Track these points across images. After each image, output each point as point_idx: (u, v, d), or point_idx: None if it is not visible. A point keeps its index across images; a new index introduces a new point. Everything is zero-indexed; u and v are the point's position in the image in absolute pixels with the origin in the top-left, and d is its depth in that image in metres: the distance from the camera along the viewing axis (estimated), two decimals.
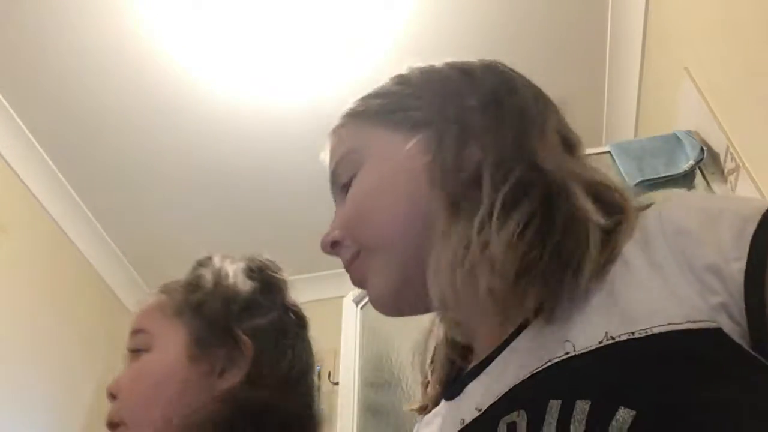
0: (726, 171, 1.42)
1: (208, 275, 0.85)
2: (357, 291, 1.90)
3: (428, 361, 0.62)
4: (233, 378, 0.78)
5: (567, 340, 0.43)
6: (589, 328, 0.42)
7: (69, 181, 2.56)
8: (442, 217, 0.51)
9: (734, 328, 0.39)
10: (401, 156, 0.56)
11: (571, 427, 0.37)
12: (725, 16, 1.39)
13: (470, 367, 0.53)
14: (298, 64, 2.19)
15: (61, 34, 2.09)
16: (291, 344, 0.85)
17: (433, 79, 0.62)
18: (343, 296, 1.93)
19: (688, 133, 1.51)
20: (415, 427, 0.63)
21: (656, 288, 0.42)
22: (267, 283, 0.89)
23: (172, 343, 0.79)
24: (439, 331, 0.62)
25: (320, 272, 2.85)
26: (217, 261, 0.88)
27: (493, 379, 0.48)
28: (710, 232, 0.42)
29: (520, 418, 0.40)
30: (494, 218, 0.47)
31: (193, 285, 0.84)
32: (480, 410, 0.46)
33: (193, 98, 2.28)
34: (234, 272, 0.86)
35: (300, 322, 0.90)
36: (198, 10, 2.03)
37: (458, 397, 0.52)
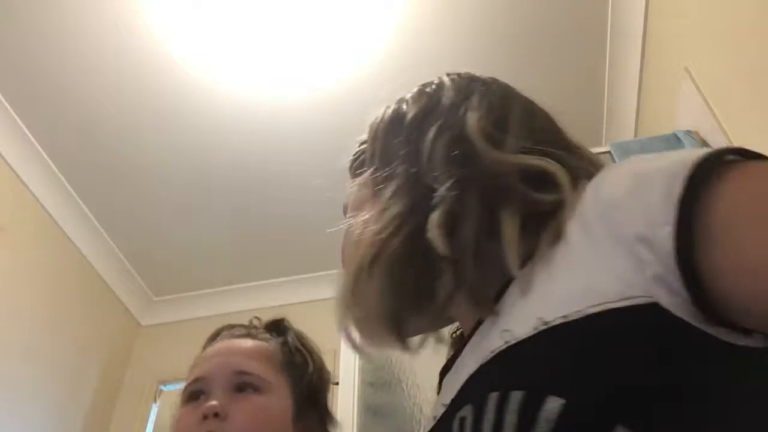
0: None
1: (302, 349, 0.97)
2: None
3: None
4: None
5: (505, 330, 0.42)
6: (525, 315, 0.42)
7: (69, 180, 2.56)
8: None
9: (674, 301, 0.36)
10: (353, 195, 0.62)
11: (506, 418, 0.36)
12: (725, 16, 1.39)
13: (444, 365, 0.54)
14: (297, 63, 2.19)
15: (61, 34, 2.10)
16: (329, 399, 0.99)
17: (375, 125, 0.64)
18: None
19: (688, 133, 1.51)
20: None
21: (593, 265, 0.40)
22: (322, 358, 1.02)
23: (282, 396, 0.90)
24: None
25: (320, 272, 2.85)
26: (299, 334, 1.01)
27: (456, 375, 0.48)
28: (640, 199, 0.39)
29: (468, 413, 0.39)
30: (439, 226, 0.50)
31: (290, 348, 0.96)
32: (445, 406, 0.47)
33: (193, 98, 2.28)
34: (316, 347, 1.00)
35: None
36: (198, 10, 2.03)
37: (439, 394, 0.53)
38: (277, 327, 1.00)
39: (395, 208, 0.53)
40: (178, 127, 2.37)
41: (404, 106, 0.61)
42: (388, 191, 0.55)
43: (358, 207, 0.59)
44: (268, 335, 0.98)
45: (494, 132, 0.53)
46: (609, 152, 1.52)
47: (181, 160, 2.49)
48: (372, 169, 0.59)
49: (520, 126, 0.55)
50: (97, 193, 2.63)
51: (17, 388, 2.30)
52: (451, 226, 0.49)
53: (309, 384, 0.93)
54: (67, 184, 2.57)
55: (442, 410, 0.47)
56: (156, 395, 2.84)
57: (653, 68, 1.97)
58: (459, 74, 0.63)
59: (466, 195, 0.50)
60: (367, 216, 0.55)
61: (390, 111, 0.63)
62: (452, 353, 0.54)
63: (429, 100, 0.60)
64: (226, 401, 0.86)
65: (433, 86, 0.62)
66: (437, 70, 0.65)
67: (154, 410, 2.80)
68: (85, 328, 2.73)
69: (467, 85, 0.60)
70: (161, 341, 3.02)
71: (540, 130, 0.56)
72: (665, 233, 0.37)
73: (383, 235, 0.51)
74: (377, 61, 2.15)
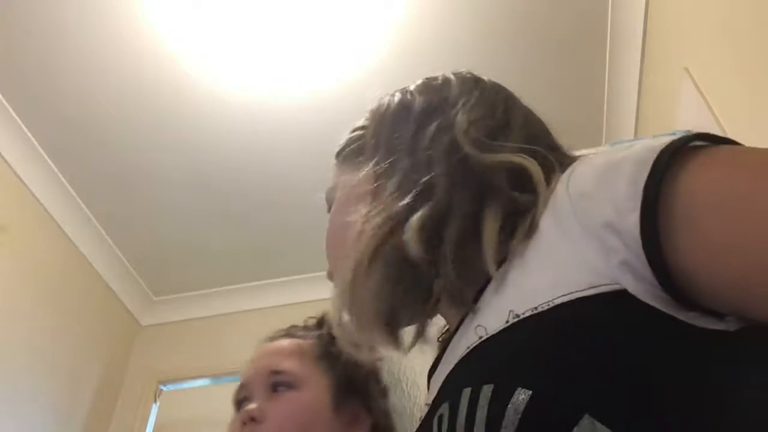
0: None
1: None
2: None
3: None
4: (362, 429, 0.91)
5: (479, 325, 0.43)
6: (498, 310, 0.42)
7: (69, 181, 2.56)
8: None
9: (641, 287, 0.36)
10: (351, 185, 0.61)
11: (477, 413, 0.36)
12: (725, 16, 1.39)
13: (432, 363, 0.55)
14: (297, 63, 2.19)
15: (61, 34, 2.10)
16: (383, 389, 0.99)
17: (379, 115, 0.63)
18: None
19: (688, 132, 1.51)
20: None
21: (564, 256, 0.40)
22: None
23: (318, 388, 0.91)
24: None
25: (320, 272, 2.85)
26: None
27: (439, 374, 0.49)
28: (607, 187, 0.39)
29: (446, 410, 0.40)
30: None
31: (326, 340, 0.96)
32: (428, 406, 0.48)
33: (193, 98, 2.28)
34: None
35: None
36: (198, 10, 2.03)
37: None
38: (319, 323, 1.03)
39: (394, 206, 0.52)
40: (178, 127, 2.37)
41: (409, 97, 0.61)
42: (391, 186, 0.54)
43: (358, 199, 0.57)
44: (306, 332, 1.00)
45: (491, 136, 0.53)
46: None
47: (181, 159, 2.49)
48: (374, 161, 0.58)
49: (518, 134, 0.55)
50: (97, 193, 2.63)
51: (17, 388, 2.30)
52: (434, 228, 0.49)
53: (344, 369, 0.93)
54: (67, 185, 2.57)
55: (425, 410, 0.48)
56: (156, 395, 2.84)
57: (653, 68, 1.97)
58: (464, 74, 0.63)
59: (457, 196, 0.50)
60: (366, 210, 0.54)
61: (396, 102, 0.61)
62: (438, 353, 0.54)
63: (434, 96, 0.59)
64: (265, 403, 0.89)
65: (439, 81, 0.62)
66: (437, 70, 0.65)
67: (154, 410, 2.80)
68: (85, 328, 2.73)
69: (471, 87, 0.60)
70: (161, 341, 3.02)
71: (535, 137, 0.56)
72: (631, 220, 0.37)
73: (385, 230, 0.51)
74: (377, 61, 2.15)
